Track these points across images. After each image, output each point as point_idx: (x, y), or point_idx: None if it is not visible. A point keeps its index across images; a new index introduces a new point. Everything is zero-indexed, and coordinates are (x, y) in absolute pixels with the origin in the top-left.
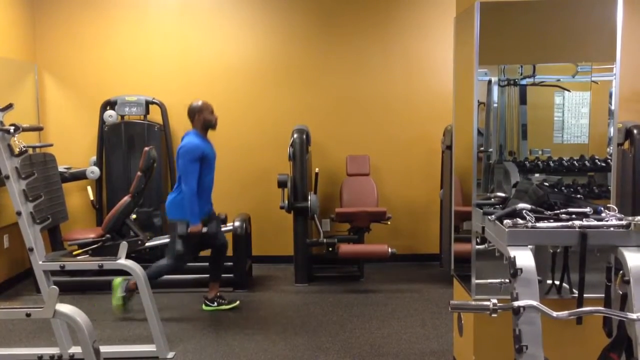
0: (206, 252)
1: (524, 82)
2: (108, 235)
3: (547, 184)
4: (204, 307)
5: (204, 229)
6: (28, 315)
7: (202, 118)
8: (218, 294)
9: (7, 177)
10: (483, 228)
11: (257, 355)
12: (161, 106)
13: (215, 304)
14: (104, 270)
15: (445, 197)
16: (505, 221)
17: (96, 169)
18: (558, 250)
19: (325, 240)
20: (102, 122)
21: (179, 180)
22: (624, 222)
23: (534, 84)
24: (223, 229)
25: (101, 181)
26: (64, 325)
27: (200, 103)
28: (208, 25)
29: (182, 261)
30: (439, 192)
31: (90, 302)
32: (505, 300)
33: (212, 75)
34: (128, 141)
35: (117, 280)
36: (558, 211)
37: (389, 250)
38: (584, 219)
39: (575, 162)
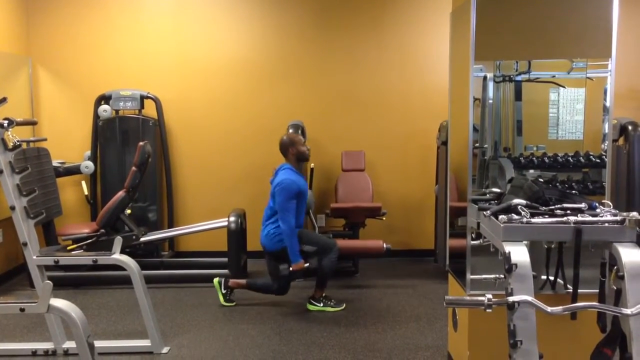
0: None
1: (519, 78)
2: (102, 230)
3: (542, 180)
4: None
5: (306, 265)
6: (22, 310)
7: (296, 151)
8: (324, 294)
9: (1, 172)
10: (478, 224)
11: (251, 350)
12: (156, 101)
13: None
14: (98, 265)
15: (440, 192)
16: (500, 217)
17: (90, 164)
18: (553, 246)
19: None
20: (96, 116)
21: (271, 214)
22: (618, 218)
23: (529, 80)
24: (218, 224)
25: (95, 176)
26: (58, 320)
27: (292, 136)
28: (203, 19)
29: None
30: (434, 188)
31: (84, 297)
32: (500, 296)
33: (207, 70)
34: (123, 136)
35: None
36: (553, 207)
37: (384, 245)
38: (578, 215)
39: (570, 158)
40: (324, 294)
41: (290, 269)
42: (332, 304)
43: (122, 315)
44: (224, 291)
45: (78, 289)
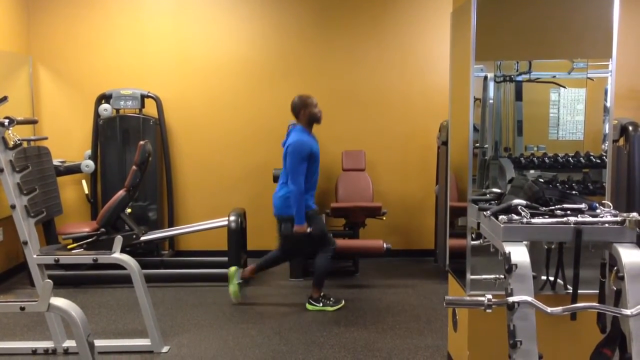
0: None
1: (519, 78)
2: (103, 229)
3: (542, 180)
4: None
5: (309, 229)
6: (22, 308)
7: (308, 113)
8: (322, 293)
9: (2, 171)
10: (478, 224)
11: (251, 349)
12: (156, 100)
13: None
14: (98, 264)
15: (440, 192)
16: (500, 217)
17: (91, 163)
18: (553, 246)
19: None
20: (97, 115)
21: (286, 177)
22: (618, 219)
23: (529, 80)
24: (218, 223)
25: (96, 175)
26: (59, 319)
27: (304, 98)
28: (204, 19)
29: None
30: (434, 188)
31: (84, 296)
32: (500, 296)
33: (207, 69)
34: (123, 135)
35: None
36: (553, 207)
37: (384, 245)
38: (578, 215)
39: (570, 158)
40: (322, 294)
41: (293, 230)
42: (330, 302)
43: (122, 314)
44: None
45: (78, 288)
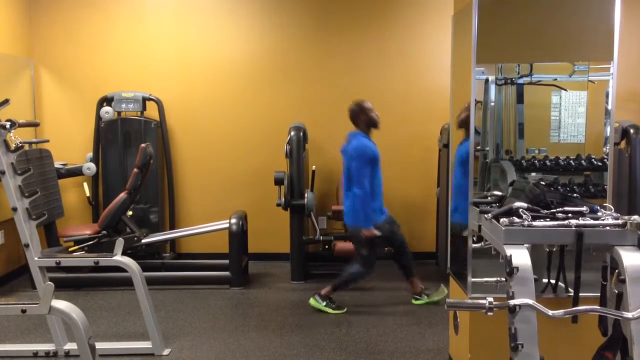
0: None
1: (521, 81)
2: (104, 232)
3: (543, 183)
4: (413, 301)
5: (377, 233)
6: (23, 311)
7: (366, 118)
8: (422, 286)
9: (3, 173)
10: (479, 226)
11: (253, 352)
12: (158, 103)
13: (425, 297)
14: (99, 266)
15: (441, 195)
16: (501, 220)
17: (92, 165)
18: (554, 249)
19: (321, 237)
20: (98, 118)
21: (349, 182)
22: (620, 222)
23: (531, 83)
24: (219, 226)
25: (97, 177)
26: (60, 322)
27: (360, 103)
28: (205, 21)
29: (370, 264)
30: (435, 191)
31: (85, 299)
32: (501, 299)
33: (209, 72)
34: (125, 137)
35: (312, 301)
36: (554, 210)
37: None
38: (580, 218)
39: (571, 161)
40: (331, 296)
41: (362, 235)
42: (333, 306)
43: (123, 316)
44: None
45: (79, 291)
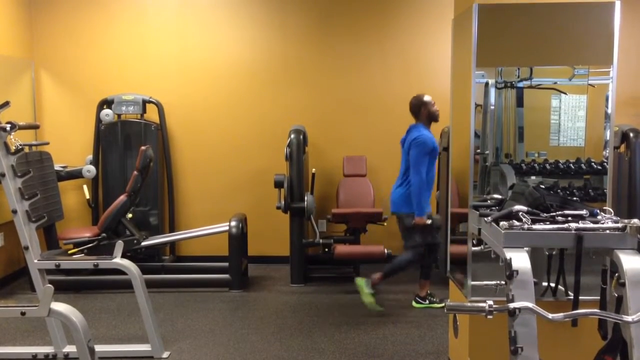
0: None
1: (521, 84)
2: (104, 234)
3: (543, 186)
4: (414, 304)
5: (428, 221)
6: (23, 314)
7: (427, 111)
8: (429, 291)
9: (3, 175)
10: (479, 230)
11: (252, 355)
12: (158, 105)
13: (427, 301)
14: (99, 269)
15: (441, 198)
16: (501, 223)
17: (92, 168)
18: (554, 253)
19: (321, 240)
20: (98, 120)
21: (406, 173)
22: (619, 225)
23: (530, 87)
24: (219, 229)
25: (97, 180)
26: (59, 324)
27: (421, 97)
28: (206, 24)
29: (419, 252)
30: (435, 194)
31: (85, 301)
32: (501, 302)
33: (209, 75)
34: (125, 140)
35: (359, 280)
36: (554, 213)
37: (385, 251)
38: (579, 222)
39: (571, 164)
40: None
41: (413, 222)
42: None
43: (122, 319)
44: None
45: (79, 293)
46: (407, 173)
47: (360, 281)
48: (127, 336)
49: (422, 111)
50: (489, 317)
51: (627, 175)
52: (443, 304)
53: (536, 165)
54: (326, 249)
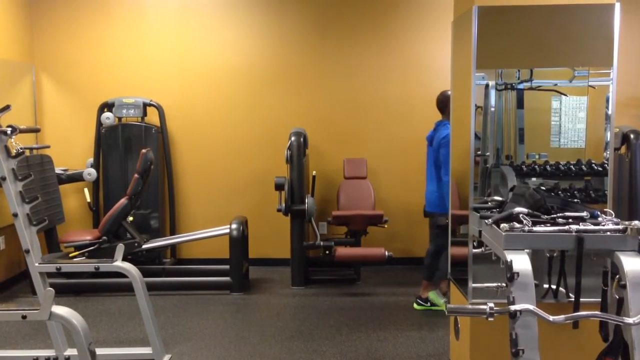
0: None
1: (521, 86)
2: (105, 238)
3: (543, 188)
4: (415, 306)
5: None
6: (24, 317)
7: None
8: (442, 291)
9: (4, 179)
10: (480, 232)
11: (253, 358)
12: (159, 108)
13: (429, 303)
14: (100, 272)
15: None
16: (502, 225)
17: (93, 171)
18: (555, 255)
19: (322, 243)
20: (99, 124)
21: (436, 172)
22: (620, 227)
23: (531, 88)
24: (219, 231)
25: (98, 183)
26: (60, 327)
27: (447, 94)
28: (206, 27)
29: (444, 251)
30: None
31: (86, 304)
32: (502, 304)
33: (210, 78)
34: (125, 143)
35: (431, 294)
36: (555, 215)
37: (386, 253)
38: (580, 223)
39: (572, 166)
40: (447, 291)
41: (447, 220)
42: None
43: (123, 322)
44: (444, 299)
45: (80, 296)
46: (438, 172)
47: (432, 296)
48: (128, 339)
49: (449, 107)
50: (490, 319)
51: (627, 176)
52: (438, 305)
53: (537, 166)
54: (327, 252)
